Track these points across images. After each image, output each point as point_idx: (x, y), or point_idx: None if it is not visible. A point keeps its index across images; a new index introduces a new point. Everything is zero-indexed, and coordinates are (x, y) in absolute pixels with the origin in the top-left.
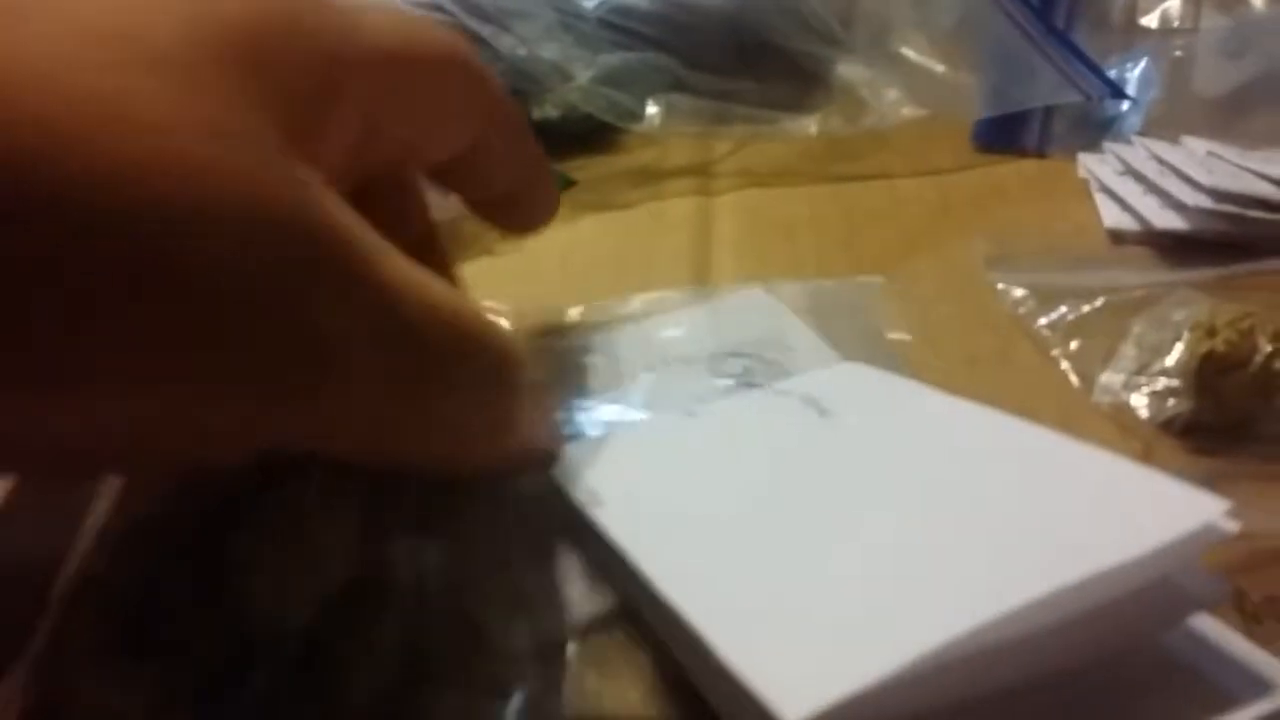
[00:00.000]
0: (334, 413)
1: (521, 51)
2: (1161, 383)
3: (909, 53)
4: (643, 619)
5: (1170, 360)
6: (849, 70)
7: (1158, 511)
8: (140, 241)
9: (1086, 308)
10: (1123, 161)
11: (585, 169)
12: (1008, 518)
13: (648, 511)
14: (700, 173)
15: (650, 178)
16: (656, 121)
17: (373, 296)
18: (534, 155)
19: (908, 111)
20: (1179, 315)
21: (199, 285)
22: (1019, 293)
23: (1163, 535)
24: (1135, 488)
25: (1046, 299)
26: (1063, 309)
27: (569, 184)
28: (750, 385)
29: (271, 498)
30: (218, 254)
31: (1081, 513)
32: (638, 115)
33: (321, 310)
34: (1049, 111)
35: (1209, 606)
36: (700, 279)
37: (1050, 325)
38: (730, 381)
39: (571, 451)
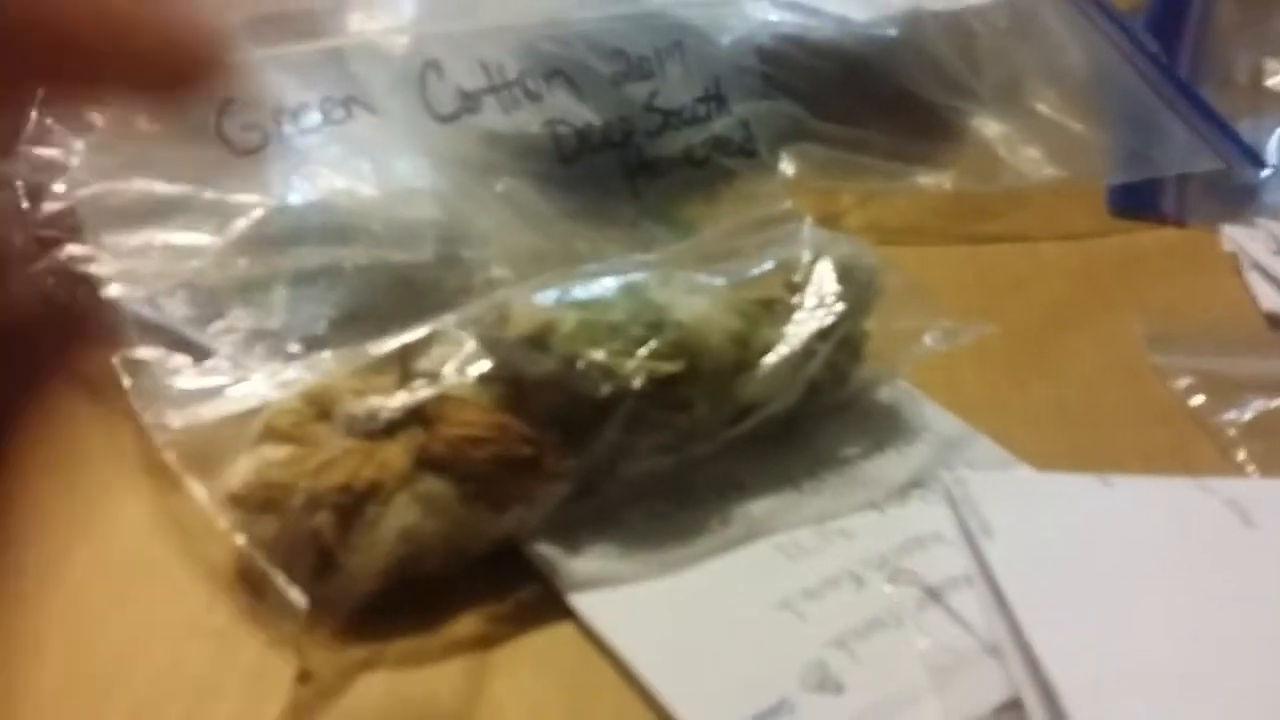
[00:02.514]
0: None
1: (657, 97)
2: None
3: (1042, 108)
4: None
5: None
6: (982, 125)
7: None
8: None
9: (1272, 404)
10: (1276, 240)
11: (708, 217)
12: None
13: (1034, 557)
14: (826, 227)
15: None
16: (789, 172)
17: None
18: None
19: (1048, 171)
20: None
21: None
22: (1187, 380)
23: None
24: None
25: (1220, 390)
26: (1244, 405)
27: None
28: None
29: None
30: None
31: None
32: (770, 165)
33: None
34: (1184, 178)
35: None
36: None
37: (1231, 423)
38: None
39: (974, 480)
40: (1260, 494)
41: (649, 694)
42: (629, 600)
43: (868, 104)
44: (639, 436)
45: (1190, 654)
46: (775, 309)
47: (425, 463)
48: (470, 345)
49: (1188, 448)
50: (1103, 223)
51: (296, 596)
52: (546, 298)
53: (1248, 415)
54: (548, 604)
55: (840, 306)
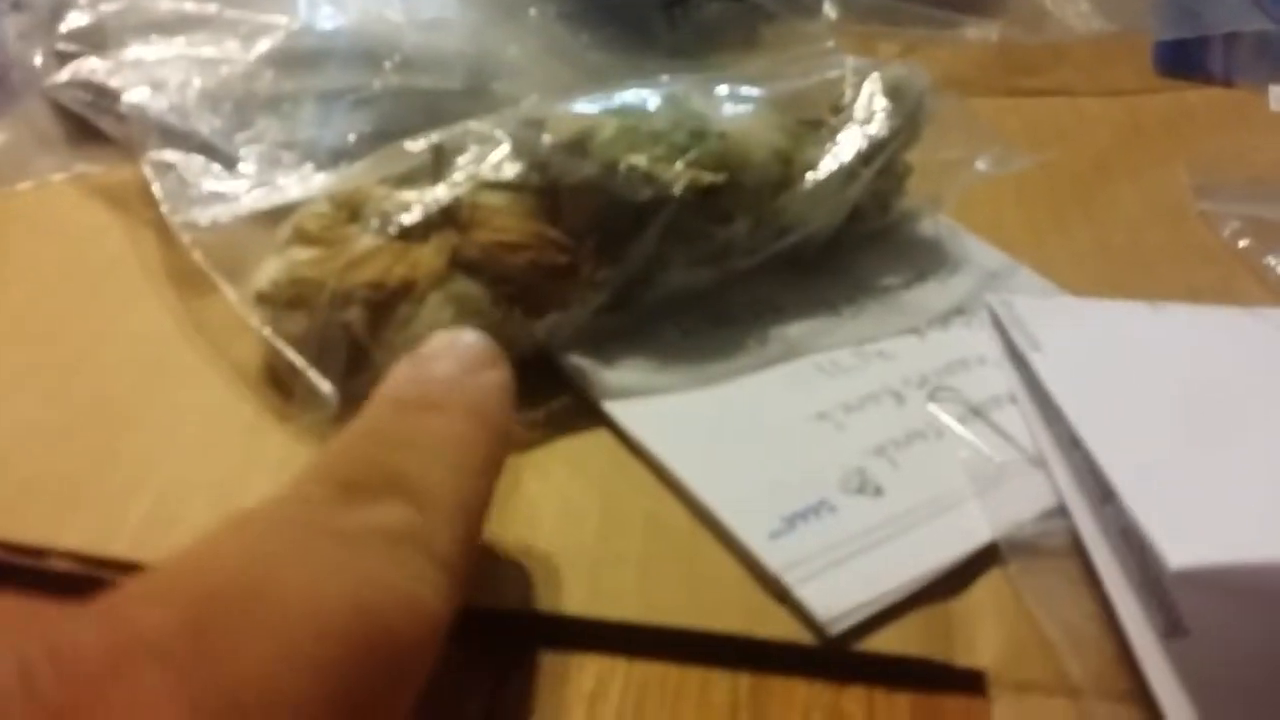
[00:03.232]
0: None
1: None
2: None
3: None
4: None
5: None
6: None
7: None
8: None
9: None
10: None
11: (744, 62)
12: None
13: (1086, 369)
14: None
15: None
16: (832, 16)
17: None
18: None
19: (1095, 24)
20: None
21: None
22: (1234, 224)
23: None
24: None
25: (1268, 235)
26: None
27: None
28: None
29: None
30: None
31: None
32: (814, 8)
33: None
34: (1232, 38)
35: None
36: None
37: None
38: None
39: (1020, 302)
40: None
41: (684, 495)
42: (664, 409)
43: None
44: (677, 247)
45: (1247, 459)
46: (820, 130)
47: (459, 264)
48: (506, 148)
49: (1235, 287)
50: (1149, 81)
51: (327, 389)
52: (585, 107)
53: None
54: (582, 412)
55: (887, 127)
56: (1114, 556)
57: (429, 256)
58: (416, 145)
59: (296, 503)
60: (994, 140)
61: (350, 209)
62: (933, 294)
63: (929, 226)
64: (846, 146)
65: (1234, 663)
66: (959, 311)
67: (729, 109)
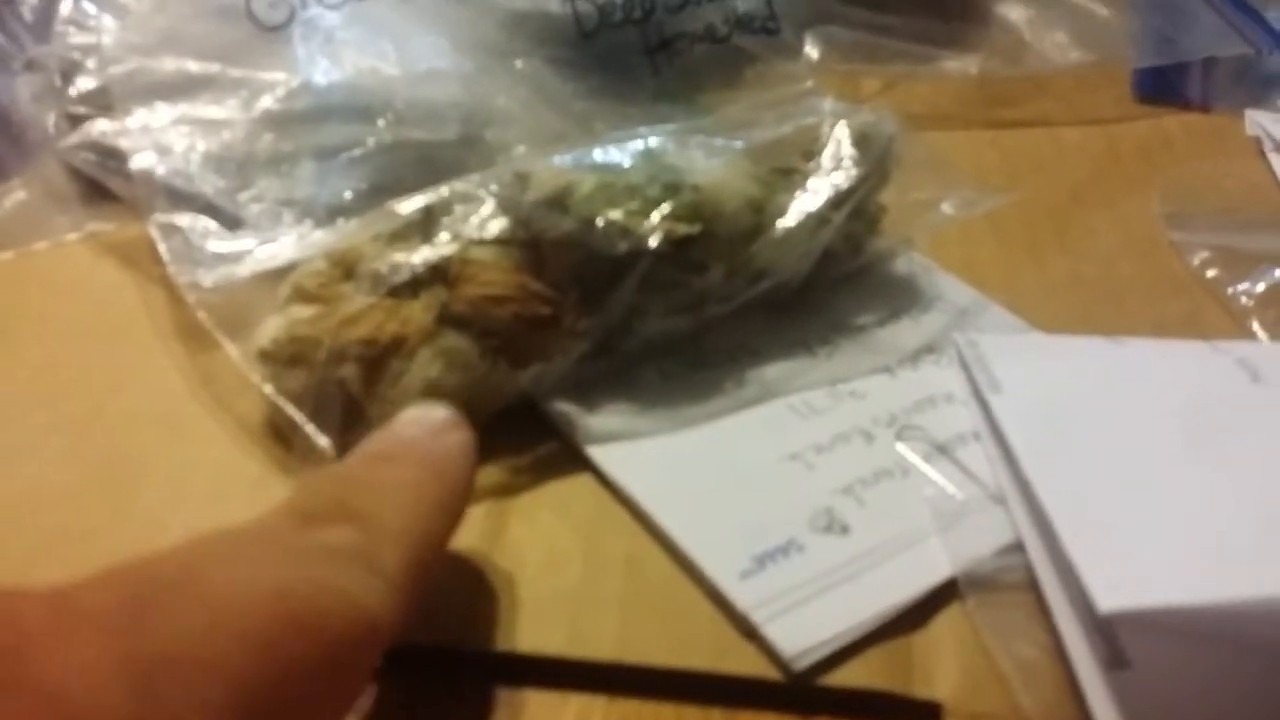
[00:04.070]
0: None
1: None
2: None
3: None
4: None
5: None
6: (1008, 10)
7: None
8: None
9: None
10: None
11: (726, 103)
12: None
13: (1041, 410)
14: None
15: None
16: (814, 56)
17: None
18: None
19: (1074, 55)
20: None
21: None
22: (1203, 254)
23: None
24: None
25: (1234, 263)
26: (1260, 277)
27: None
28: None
29: None
30: None
31: None
32: (795, 49)
33: None
34: (1210, 63)
35: None
36: None
37: (1245, 293)
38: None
39: (985, 341)
40: (1271, 355)
41: (662, 537)
42: (644, 452)
43: None
44: (654, 296)
45: (1191, 499)
46: (792, 177)
47: (447, 319)
48: (491, 206)
49: (1202, 318)
50: (1127, 109)
51: (324, 443)
52: (565, 162)
53: (1262, 286)
54: (565, 458)
55: (856, 173)
56: (1063, 591)
57: (419, 313)
58: (407, 206)
59: (256, 526)
60: (964, 181)
61: (345, 267)
62: (905, 332)
63: (902, 265)
64: (816, 194)
65: (1176, 694)
66: (929, 349)
67: (703, 161)
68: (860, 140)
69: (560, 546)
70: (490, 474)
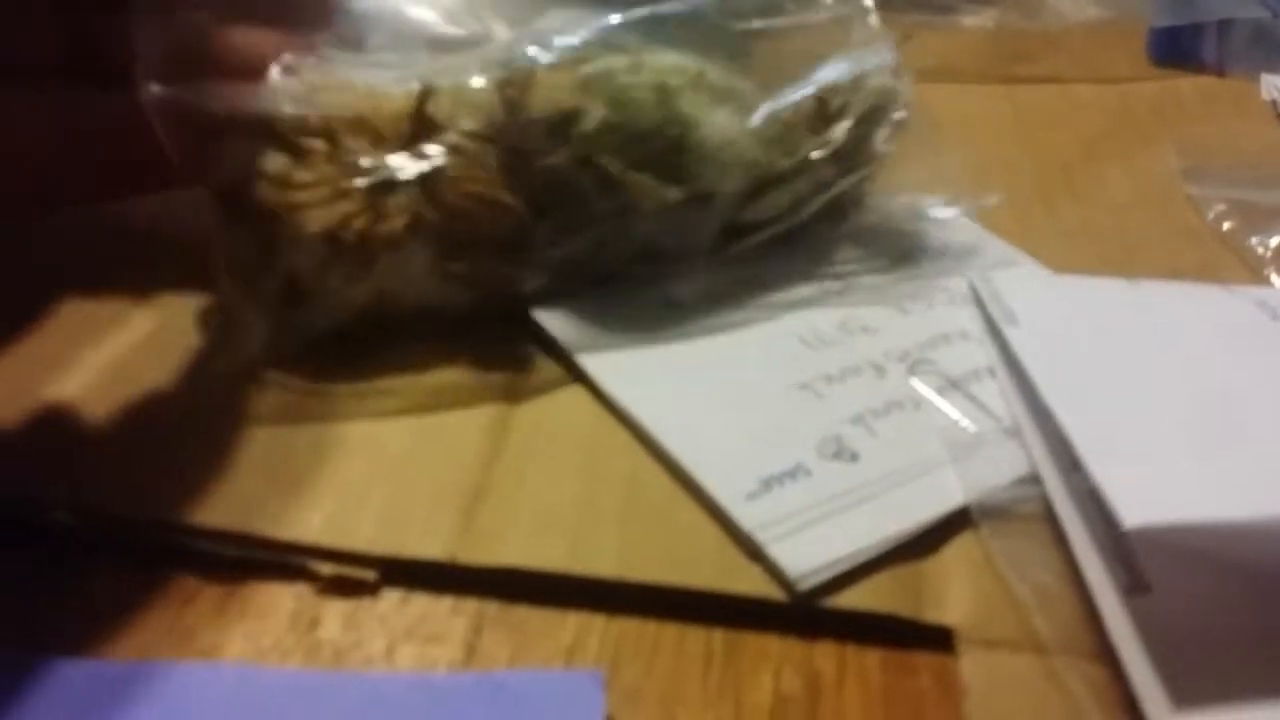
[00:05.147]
0: None
1: None
2: None
3: None
4: None
5: None
6: None
7: None
8: None
9: None
10: None
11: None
12: None
13: (1059, 342)
14: None
15: None
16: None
17: None
18: None
19: (1091, 12)
20: None
21: None
22: (1220, 207)
23: None
24: None
25: (1252, 216)
26: (1275, 229)
27: None
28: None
29: None
30: None
31: None
32: None
33: None
34: (1225, 27)
35: None
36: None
37: (1261, 244)
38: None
39: (1000, 277)
40: None
41: (664, 456)
42: (645, 373)
43: None
44: (643, 249)
45: (1213, 425)
46: (800, 137)
47: (417, 228)
48: (489, 102)
49: (1219, 267)
50: (1142, 69)
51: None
52: (569, 49)
53: (1278, 239)
54: (568, 376)
55: (860, 140)
56: (1081, 519)
57: (390, 218)
58: (402, 84)
59: None
60: (955, 176)
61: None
62: (919, 273)
63: (913, 215)
64: (821, 161)
65: (1195, 619)
66: (943, 289)
67: (714, 115)
68: (874, 109)
69: (560, 463)
70: (490, 388)
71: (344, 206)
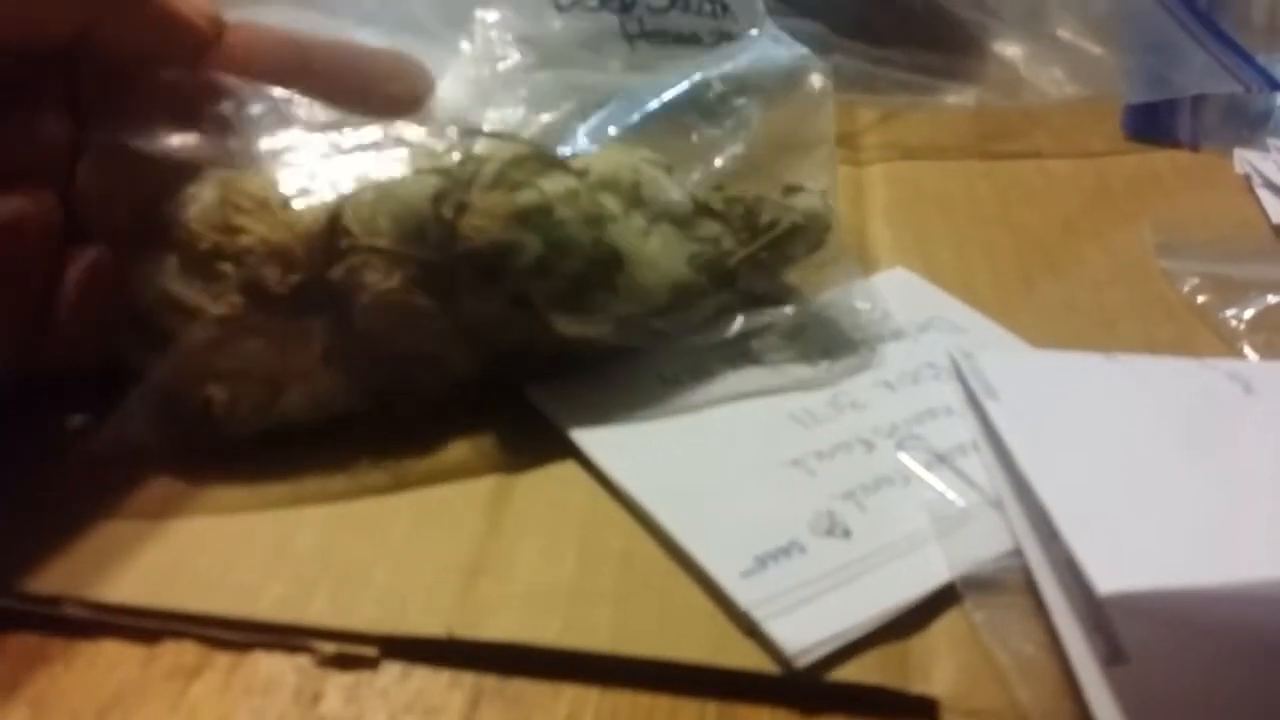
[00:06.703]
0: None
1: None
2: None
3: (1064, 33)
4: None
5: None
6: (1005, 45)
7: None
8: None
9: (1273, 300)
10: None
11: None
12: None
13: (1038, 415)
14: (846, 144)
15: None
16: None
17: None
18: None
19: (1068, 90)
20: None
21: None
22: (1194, 280)
23: None
24: None
25: (1225, 290)
26: (1249, 302)
27: None
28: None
29: None
30: None
31: None
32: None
33: None
34: (1199, 103)
35: None
36: (860, 248)
37: (1235, 317)
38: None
39: (980, 354)
40: (1262, 370)
41: (659, 532)
42: (639, 449)
43: (892, 20)
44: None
45: (1187, 495)
46: (728, 250)
47: (331, 356)
48: (418, 211)
49: (1193, 341)
50: (1118, 145)
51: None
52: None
53: (1252, 311)
54: (563, 453)
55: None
56: (1061, 589)
57: (303, 348)
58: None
59: None
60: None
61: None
62: (905, 350)
63: (903, 287)
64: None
65: (1174, 686)
66: (929, 365)
67: (644, 243)
68: (800, 228)
69: (557, 538)
70: (487, 463)
71: (253, 344)
